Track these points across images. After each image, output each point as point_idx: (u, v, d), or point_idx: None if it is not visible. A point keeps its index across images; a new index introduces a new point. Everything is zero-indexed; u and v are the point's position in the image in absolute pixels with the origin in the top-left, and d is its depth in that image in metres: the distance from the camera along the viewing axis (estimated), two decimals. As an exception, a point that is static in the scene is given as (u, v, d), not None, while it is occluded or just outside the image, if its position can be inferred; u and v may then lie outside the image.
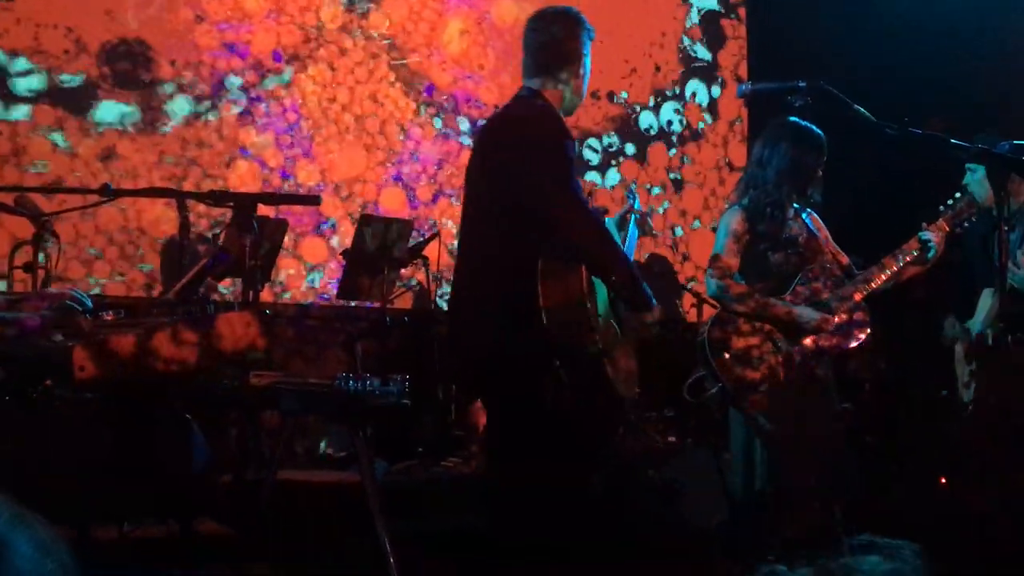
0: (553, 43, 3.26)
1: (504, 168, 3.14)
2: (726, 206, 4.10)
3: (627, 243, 3.62)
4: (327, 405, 3.04)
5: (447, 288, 6.04)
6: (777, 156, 3.88)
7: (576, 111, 3.41)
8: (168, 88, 5.57)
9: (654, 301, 3.18)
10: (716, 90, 7.50)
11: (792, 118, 3.88)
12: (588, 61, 3.34)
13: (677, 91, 7.32)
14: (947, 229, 3.86)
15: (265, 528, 3.51)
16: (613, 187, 6.94)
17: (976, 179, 4.18)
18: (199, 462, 2.84)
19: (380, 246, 4.87)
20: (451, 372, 3.57)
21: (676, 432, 5.14)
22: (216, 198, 2.76)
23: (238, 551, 3.04)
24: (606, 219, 3.56)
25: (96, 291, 5.20)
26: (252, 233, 2.60)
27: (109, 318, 2.58)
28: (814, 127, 3.89)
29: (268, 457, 3.69)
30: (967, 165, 4.28)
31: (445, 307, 5.49)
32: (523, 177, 3.05)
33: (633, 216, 3.68)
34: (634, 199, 3.78)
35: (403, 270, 5.41)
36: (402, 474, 4.66)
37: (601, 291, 3.19)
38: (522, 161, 3.08)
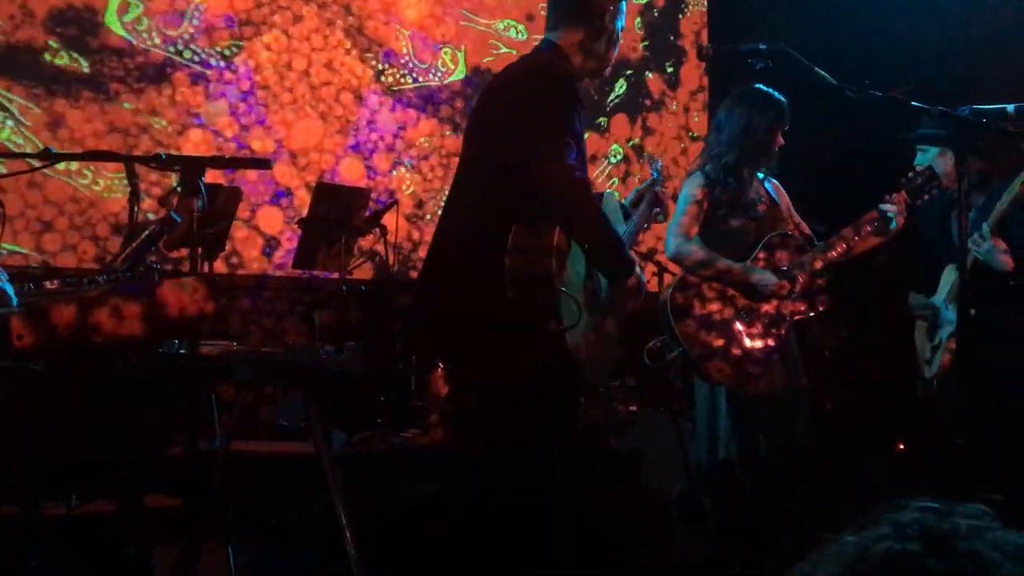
0: None
1: (496, 124, 2.96)
2: (687, 173, 4.08)
3: (639, 213, 3.55)
4: (281, 373, 2.99)
5: (407, 257, 5.98)
6: (732, 120, 3.86)
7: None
8: (118, 55, 5.43)
9: (636, 269, 2.99)
10: (678, 59, 7.45)
11: (757, 85, 3.85)
12: (621, 22, 3.08)
13: (638, 59, 7.27)
14: (905, 202, 3.85)
15: (218, 501, 3.44)
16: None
17: (927, 159, 4.16)
18: (142, 430, 2.77)
19: (337, 215, 4.78)
20: (414, 338, 3.47)
21: (637, 401, 5.13)
22: (163, 162, 2.68)
23: (191, 525, 2.97)
24: (619, 199, 3.51)
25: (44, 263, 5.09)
26: (200, 196, 2.52)
27: (52, 287, 2.51)
28: (775, 93, 3.86)
29: (222, 428, 3.63)
30: (917, 146, 4.27)
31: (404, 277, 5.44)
32: (512, 133, 2.86)
33: (655, 191, 3.60)
34: (659, 176, 3.69)
35: (361, 240, 5.33)
36: (361, 445, 4.60)
37: (579, 267, 3.05)
38: (514, 116, 2.88)
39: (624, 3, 3.08)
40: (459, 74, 6.40)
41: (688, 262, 3.81)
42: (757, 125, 3.82)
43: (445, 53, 6.36)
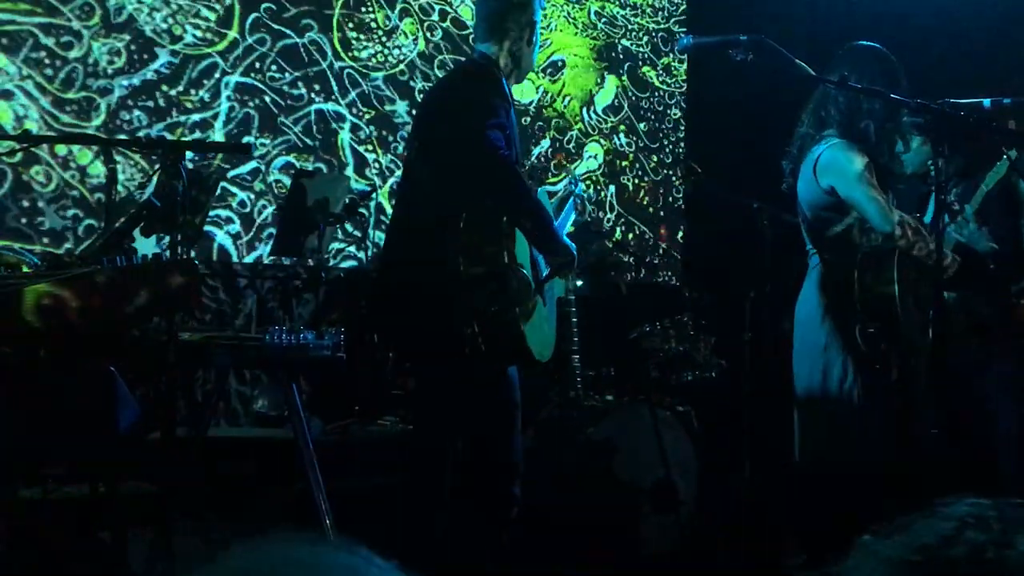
0: (506, 12, 3.32)
1: (432, 123, 3.28)
2: (822, 144, 3.54)
3: (561, 218, 3.65)
4: (261, 360, 2.98)
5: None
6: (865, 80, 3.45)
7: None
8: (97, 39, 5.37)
9: (572, 248, 3.24)
10: (657, 50, 7.48)
11: (863, 42, 3.61)
12: (539, 29, 3.42)
13: (616, 47, 7.29)
14: None
15: (195, 488, 3.44)
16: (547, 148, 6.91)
17: (913, 147, 4.17)
18: (127, 419, 2.76)
19: (316, 202, 4.76)
20: (381, 333, 3.58)
21: (614, 391, 5.13)
22: (143, 145, 2.66)
23: (167, 511, 2.96)
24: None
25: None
26: (181, 180, 2.51)
27: (28, 271, 2.49)
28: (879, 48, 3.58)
29: (199, 414, 3.62)
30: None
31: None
32: (446, 125, 3.16)
33: (572, 199, 3.73)
34: (575, 184, 3.82)
35: (340, 227, 5.31)
36: (338, 432, 4.60)
37: (523, 254, 3.23)
38: (447, 111, 3.21)
39: (539, 13, 3.42)
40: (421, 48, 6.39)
41: (906, 235, 3.45)
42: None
43: (409, 26, 6.35)
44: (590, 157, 7.10)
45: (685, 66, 7.58)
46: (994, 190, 3.92)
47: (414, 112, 3.65)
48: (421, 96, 3.82)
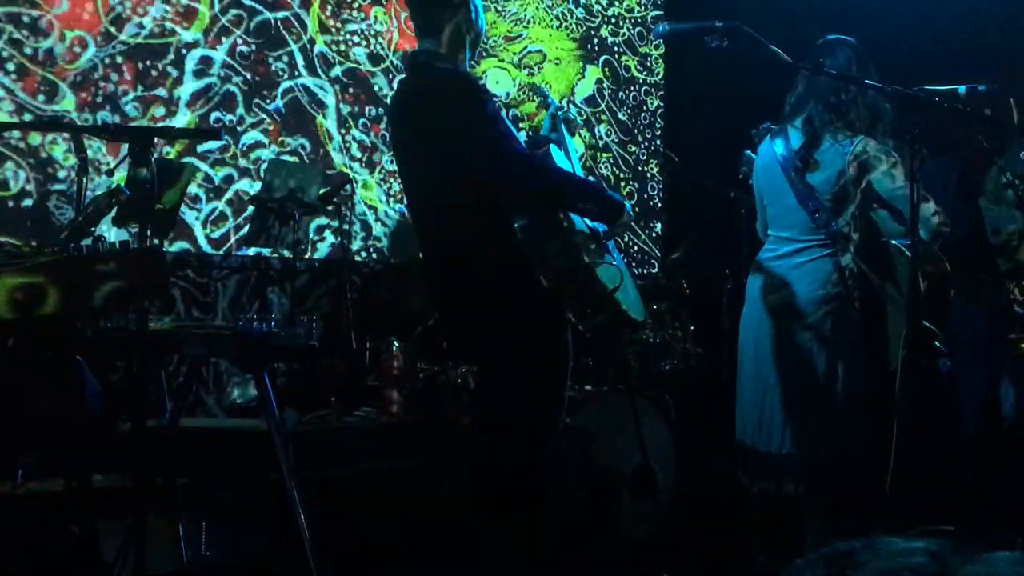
0: (432, 6, 3.14)
1: (439, 145, 3.03)
2: (854, 139, 3.53)
3: (570, 147, 3.46)
4: (231, 348, 2.95)
5: (358, 233, 5.93)
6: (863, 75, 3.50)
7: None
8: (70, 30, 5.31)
9: (622, 201, 3.13)
10: (633, 38, 7.46)
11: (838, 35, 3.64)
12: (482, 12, 3.22)
13: (592, 38, 7.27)
14: None
15: (168, 479, 3.41)
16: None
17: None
18: (91, 405, 2.72)
19: (290, 191, 4.72)
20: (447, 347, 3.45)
21: (592, 380, 5.13)
22: (111, 132, 2.62)
23: (139, 504, 2.93)
24: (541, 134, 3.46)
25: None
26: (150, 168, 2.46)
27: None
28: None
29: (171, 405, 3.58)
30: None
31: (356, 256, 5.39)
32: (461, 149, 2.97)
33: (559, 116, 3.51)
34: (550, 101, 3.65)
35: (315, 217, 5.28)
36: (314, 423, 4.57)
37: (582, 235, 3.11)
38: (454, 135, 2.98)
39: (477, 3, 3.19)
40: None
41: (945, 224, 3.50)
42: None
43: (379, 13, 6.31)
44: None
45: (662, 51, 7.57)
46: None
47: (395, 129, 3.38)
48: (392, 112, 3.46)
